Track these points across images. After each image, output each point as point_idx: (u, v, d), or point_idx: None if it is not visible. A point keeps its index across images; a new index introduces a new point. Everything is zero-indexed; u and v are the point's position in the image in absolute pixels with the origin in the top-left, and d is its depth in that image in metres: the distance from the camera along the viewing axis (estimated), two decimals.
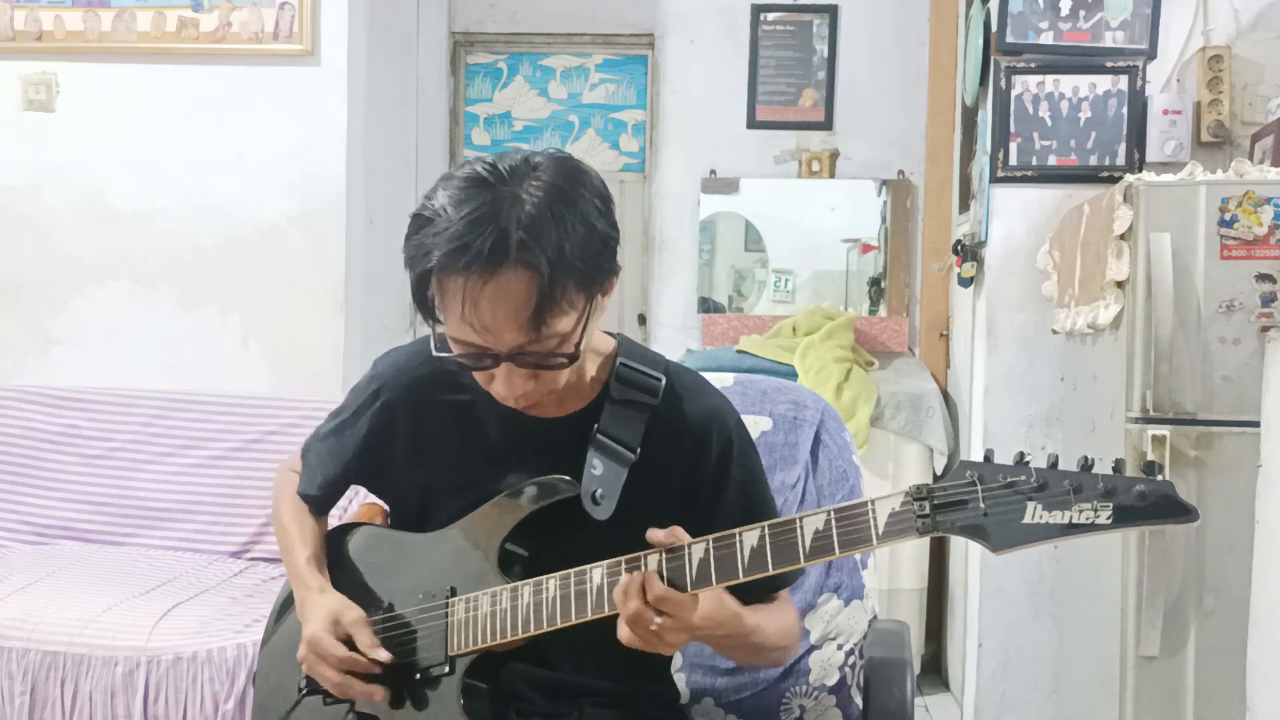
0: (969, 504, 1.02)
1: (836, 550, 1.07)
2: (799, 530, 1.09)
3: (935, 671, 3.53)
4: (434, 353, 1.20)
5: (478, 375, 1.21)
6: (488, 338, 1.14)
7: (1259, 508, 1.97)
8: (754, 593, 1.26)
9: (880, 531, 1.05)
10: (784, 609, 1.35)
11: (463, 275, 1.11)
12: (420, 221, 1.15)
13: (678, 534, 1.14)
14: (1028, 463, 1.01)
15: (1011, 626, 2.93)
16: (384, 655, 1.27)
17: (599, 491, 1.25)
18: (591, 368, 1.31)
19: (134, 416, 2.99)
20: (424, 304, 1.17)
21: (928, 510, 1.03)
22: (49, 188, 3.22)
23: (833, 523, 1.07)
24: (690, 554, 1.13)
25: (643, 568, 1.14)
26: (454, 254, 1.11)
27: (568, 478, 1.26)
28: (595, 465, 1.26)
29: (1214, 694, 2.21)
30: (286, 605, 1.44)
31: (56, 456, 2.97)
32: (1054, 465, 1.01)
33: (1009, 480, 1.01)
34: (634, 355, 1.33)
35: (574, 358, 1.18)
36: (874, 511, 1.06)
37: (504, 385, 1.19)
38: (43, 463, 2.97)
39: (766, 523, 1.11)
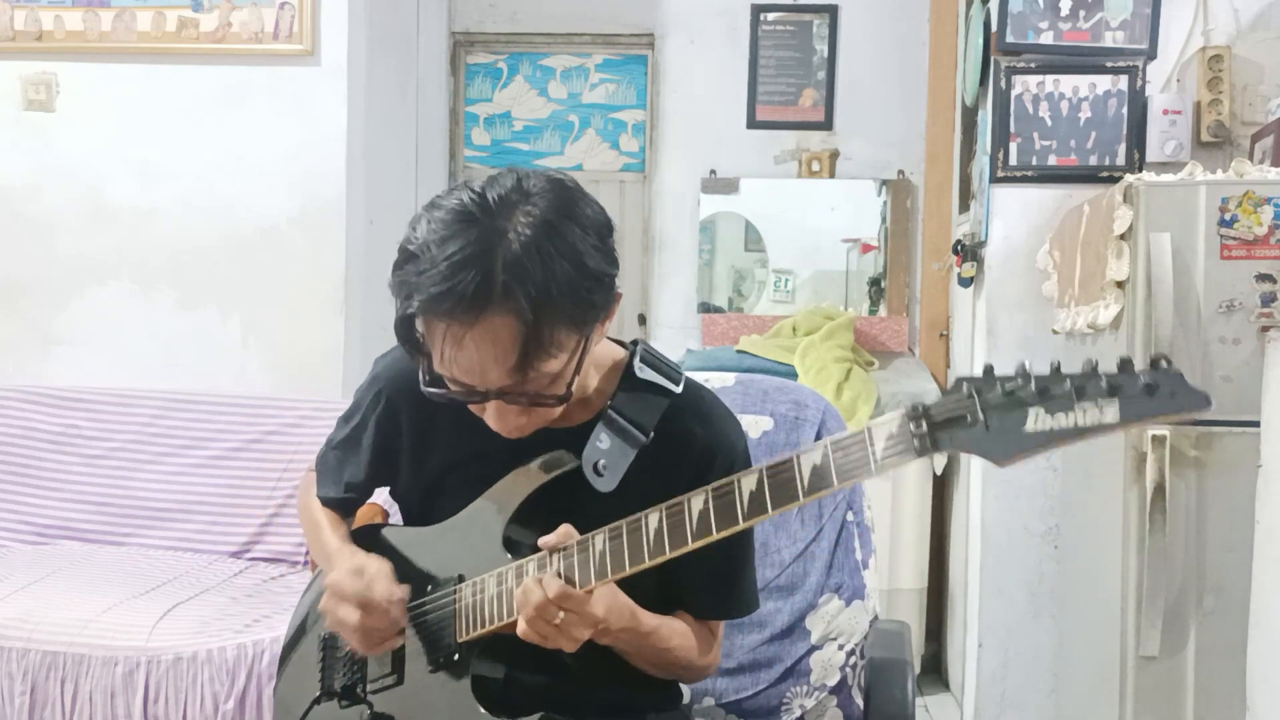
0: (967, 418, 0.95)
1: (835, 481, 1.01)
2: (796, 468, 1.04)
3: (935, 671, 3.53)
4: (423, 388, 1.16)
5: (471, 406, 1.18)
6: (473, 378, 1.12)
7: (1259, 508, 1.97)
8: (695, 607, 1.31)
9: (879, 458, 0.99)
10: (697, 626, 1.33)
11: (445, 321, 1.08)
12: (405, 256, 1.11)
13: (569, 533, 1.15)
14: (1028, 370, 0.95)
15: (1011, 626, 2.92)
16: (399, 592, 1.23)
17: (601, 463, 1.22)
18: (598, 379, 1.30)
19: (134, 416, 2.99)
20: (409, 340, 1.14)
21: (924, 429, 0.96)
22: (49, 188, 3.23)
23: (829, 454, 1.02)
24: (690, 506, 1.09)
25: (643, 529, 1.11)
26: (437, 298, 1.06)
27: (568, 452, 1.24)
28: (602, 440, 1.23)
29: (1214, 694, 2.21)
30: (308, 616, 1.44)
31: (56, 456, 2.97)
32: (1057, 370, 0.94)
33: (1008, 390, 0.94)
34: (654, 351, 1.32)
35: (564, 399, 1.15)
36: (871, 437, 0.99)
37: (496, 420, 1.17)
38: (43, 463, 2.97)
39: (764, 464, 1.06)
